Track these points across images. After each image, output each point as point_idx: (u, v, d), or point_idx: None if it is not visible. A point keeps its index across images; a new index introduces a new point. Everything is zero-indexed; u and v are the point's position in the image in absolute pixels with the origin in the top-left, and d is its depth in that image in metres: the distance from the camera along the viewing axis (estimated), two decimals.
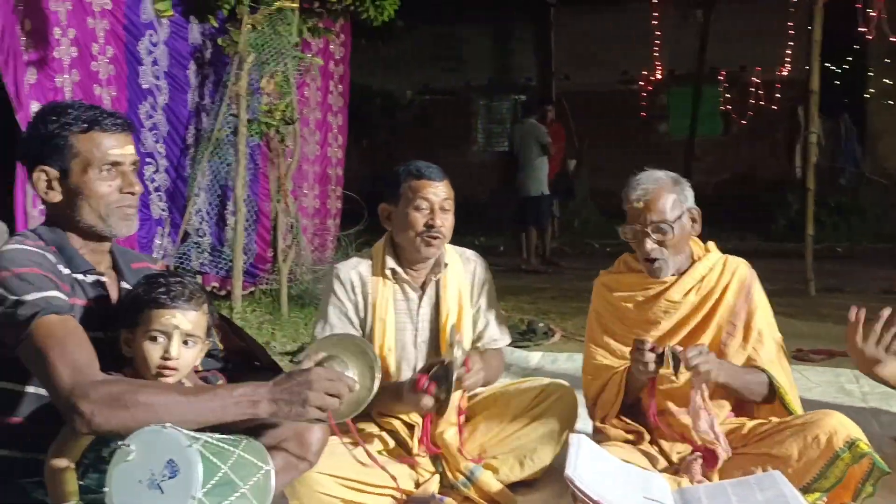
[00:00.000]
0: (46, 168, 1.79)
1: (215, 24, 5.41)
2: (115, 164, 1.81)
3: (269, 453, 1.70)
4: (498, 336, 2.50)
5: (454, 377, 2.09)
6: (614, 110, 12.15)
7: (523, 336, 4.57)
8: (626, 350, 2.28)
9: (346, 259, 2.54)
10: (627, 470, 2.10)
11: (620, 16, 12.01)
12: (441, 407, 2.15)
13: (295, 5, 5.23)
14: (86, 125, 1.79)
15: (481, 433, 2.35)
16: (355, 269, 2.38)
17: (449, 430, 2.28)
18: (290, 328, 4.76)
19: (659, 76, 11.94)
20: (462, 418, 2.33)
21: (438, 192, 2.32)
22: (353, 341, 1.95)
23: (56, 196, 1.81)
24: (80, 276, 1.81)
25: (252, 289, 5.63)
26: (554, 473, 2.31)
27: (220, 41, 5.34)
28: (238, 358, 2.32)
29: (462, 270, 2.45)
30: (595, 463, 2.01)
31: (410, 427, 2.30)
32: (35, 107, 4.30)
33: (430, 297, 2.40)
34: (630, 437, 2.31)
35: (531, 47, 13.01)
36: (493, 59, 13.29)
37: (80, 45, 4.59)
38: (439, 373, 2.13)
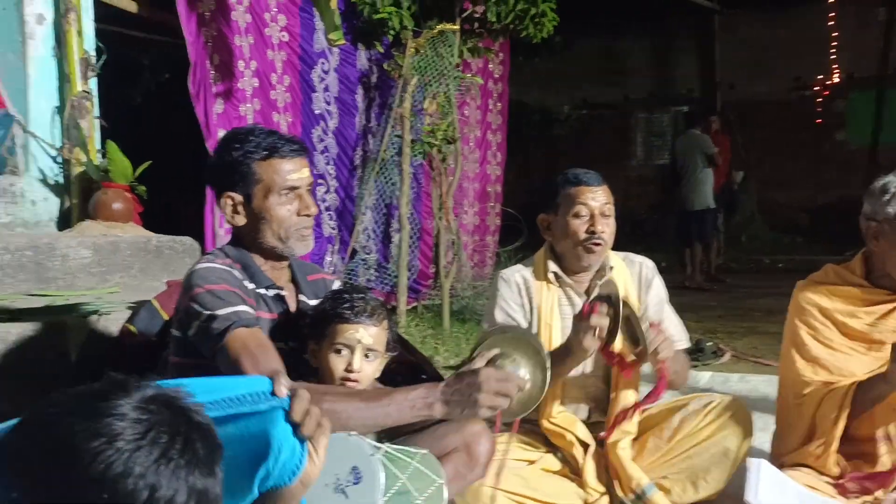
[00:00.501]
0: (232, 194, 1.91)
1: (381, 50, 5.66)
2: (293, 188, 1.91)
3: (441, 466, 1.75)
4: (675, 336, 2.41)
5: (620, 299, 2.04)
6: (784, 119, 11.49)
7: (690, 355, 4.40)
8: (847, 367, 2.11)
9: None
10: (812, 498, 1.98)
11: (792, 20, 11.36)
12: (611, 334, 2.06)
13: (456, 28, 5.37)
14: (266, 152, 1.89)
15: (650, 451, 2.27)
16: (519, 273, 2.40)
17: (623, 440, 2.23)
18: (452, 343, 4.85)
19: (836, 80, 11.17)
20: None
21: (598, 197, 2.29)
22: (526, 339, 1.95)
23: (241, 220, 1.93)
24: (262, 291, 1.93)
25: (415, 304, 5.79)
26: (729, 497, 2.21)
27: (385, 66, 5.58)
28: (406, 371, 2.41)
29: (627, 273, 2.40)
30: (777, 489, 1.91)
31: (584, 446, 2.28)
32: (222, 135, 4.67)
33: None
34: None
35: (694, 57, 12.58)
36: (652, 71, 12.97)
37: (261, 76, 4.94)
38: (601, 296, 2.10)
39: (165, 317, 2.45)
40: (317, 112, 5.44)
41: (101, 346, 2.57)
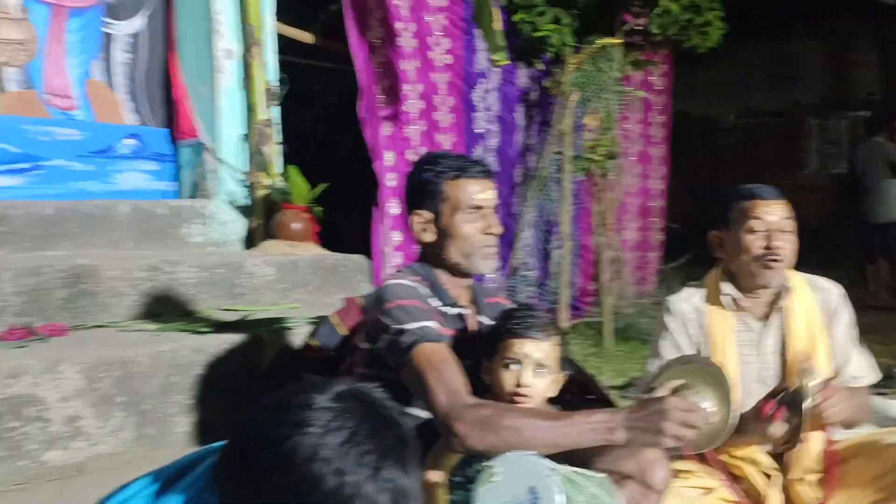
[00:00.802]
0: (422, 212, 2.03)
1: (541, 68, 5.69)
2: (478, 207, 2.00)
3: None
4: (859, 373, 2.25)
5: (807, 402, 1.90)
6: None
7: (879, 383, 4.07)
8: None
9: (669, 293, 2.48)
10: None
11: None
12: (793, 437, 1.96)
13: (618, 42, 5.30)
14: (455, 173, 2.00)
15: (849, 491, 2.10)
16: (687, 301, 2.29)
17: (808, 477, 2.10)
18: (615, 362, 4.76)
19: None
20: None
21: (774, 212, 2.17)
22: (708, 369, 1.88)
23: (429, 236, 2.04)
24: (446, 309, 2.01)
25: (576, 322, 5.74)
26: None
27: (545, 83, 5.60)
28: (574, 390, 2.40)
29: (811, 298, 2.24)
30: None
31: (767, 475, 2.17)
32: (389, 156, 4.86)
33: (776, 328, 2.22)
34: None
35: (874, 58, 11.68)
36: (826, 74, 12.17)
37: (425, 98, 5.10)
38: (787, 398, 1.96)
39: (343, 332, 2.58)
40: (478, 131, 5.54)
41: (287, 359, 2.75)
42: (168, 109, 4.36)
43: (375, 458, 1.02)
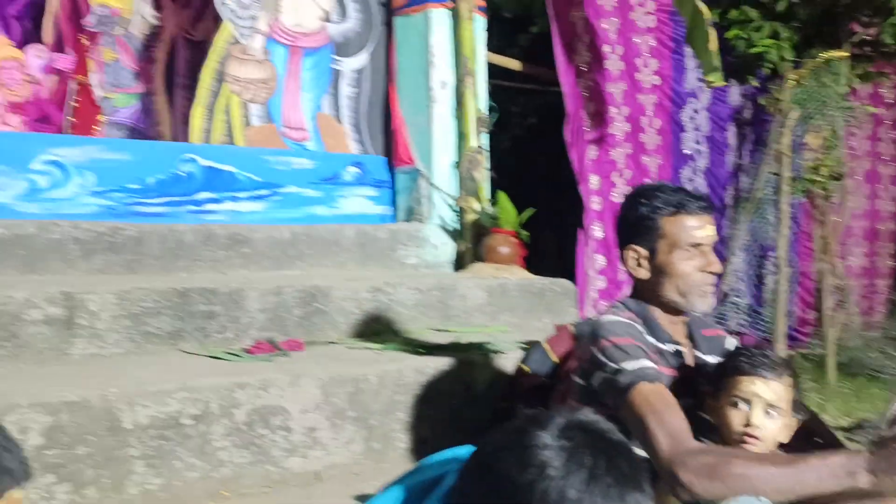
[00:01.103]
0: (637, 247, 1.98)
1: (756, 84, 5.43)
2: (697, 244, 1.92)
3: None
4: None
5: None
6: None
7: None
8: None
9: None
10: None
11: None
12: None
13: (846, 54, 4.95)
14: (674, 208, 1.93)
15: None
16: None
17: None
18: (838, 399, 4.41)
19: None
20: None
21: None
22: None
23: (643, 273, 1.98)
24: (662, 346, 1.96)
25: (792, 353, 5.39)
26: None
27: (760, 100, 5.33)
28: (800, 432, 2.26)
29: None
30: None
31: None
32: (594, 180, 4.85)
33: None
34: None
35: None
36: None
37: (632, 121, 5.04)
38: None
39: (554, 359, 2.62)
40: (686, 152, 5.39)
41: (499, 382, 2.82)
42: (386, 138, 4.65)
43: (618, 488, 1.04)
